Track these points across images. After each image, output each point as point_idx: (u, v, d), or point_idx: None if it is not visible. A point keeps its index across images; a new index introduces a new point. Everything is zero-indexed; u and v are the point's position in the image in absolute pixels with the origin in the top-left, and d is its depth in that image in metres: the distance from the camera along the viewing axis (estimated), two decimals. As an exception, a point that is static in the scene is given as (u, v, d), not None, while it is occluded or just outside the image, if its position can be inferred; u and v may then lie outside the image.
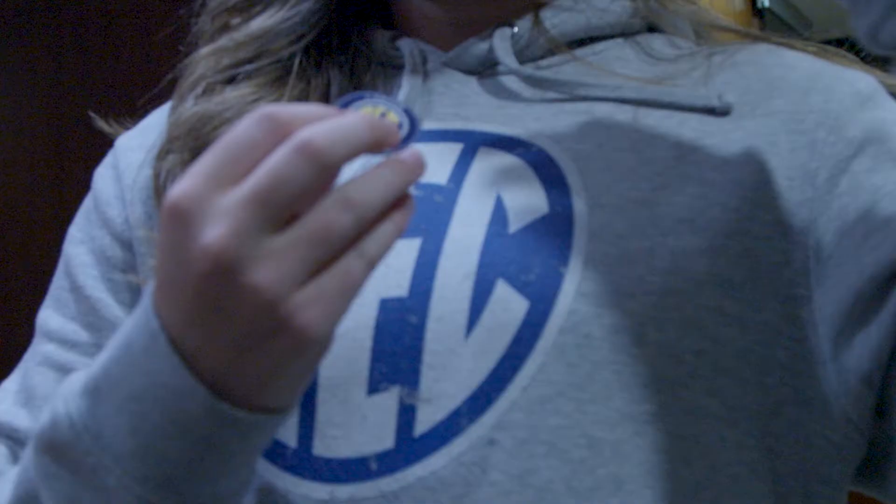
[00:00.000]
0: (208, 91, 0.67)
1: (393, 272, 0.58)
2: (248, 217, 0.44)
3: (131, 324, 0.49)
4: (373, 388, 0.57)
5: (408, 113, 0.49)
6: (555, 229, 0.58)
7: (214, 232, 0.43)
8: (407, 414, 0.56)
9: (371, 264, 0.46)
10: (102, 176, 0.73)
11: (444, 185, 0.61)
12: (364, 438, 0.56)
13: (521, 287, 0.57)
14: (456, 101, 0.66)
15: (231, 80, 0.68)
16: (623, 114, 0.63)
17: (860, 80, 0.64)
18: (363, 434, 0.56)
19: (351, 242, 0.45)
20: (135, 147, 0.72)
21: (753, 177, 0.60)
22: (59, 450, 0.50)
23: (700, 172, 0.60)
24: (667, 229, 0.58)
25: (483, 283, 0.57)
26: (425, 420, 0.56)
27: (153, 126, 0.73)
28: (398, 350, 0.57)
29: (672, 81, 0.64)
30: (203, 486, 0.49)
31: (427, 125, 0.65)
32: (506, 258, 0.58)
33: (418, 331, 0.57)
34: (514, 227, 0.59)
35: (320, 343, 0.46)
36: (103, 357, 0.50)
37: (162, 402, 0.47)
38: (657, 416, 0.55)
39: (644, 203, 0.59)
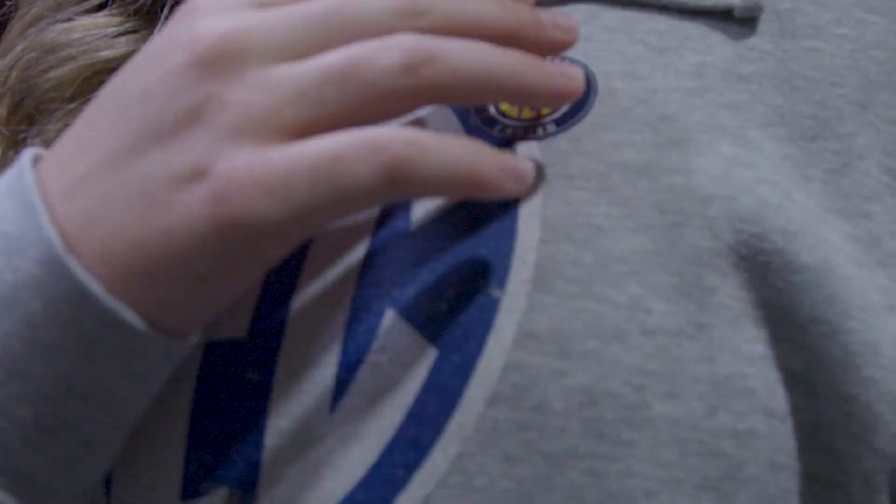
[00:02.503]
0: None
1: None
2: None
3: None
4: (189, 492, 0.35)
5: None
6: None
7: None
8: None
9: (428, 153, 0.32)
10: None
11: None
12: None
13: (423, 324, 0.34)
14: None
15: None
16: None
17: None
18: None
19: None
20: None
21: None
22: None
23: None
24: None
25: (360, 317, 0.35)
26: None
27: None
28: (228, 429, 0.35)
29: None
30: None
31: None
32: (397, 272, 0.35)
33: (261, 396, 0.35)
34: (415, 217, 0.36)
35: (249, 232, 0.31)
36: None
37: None
38: None
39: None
